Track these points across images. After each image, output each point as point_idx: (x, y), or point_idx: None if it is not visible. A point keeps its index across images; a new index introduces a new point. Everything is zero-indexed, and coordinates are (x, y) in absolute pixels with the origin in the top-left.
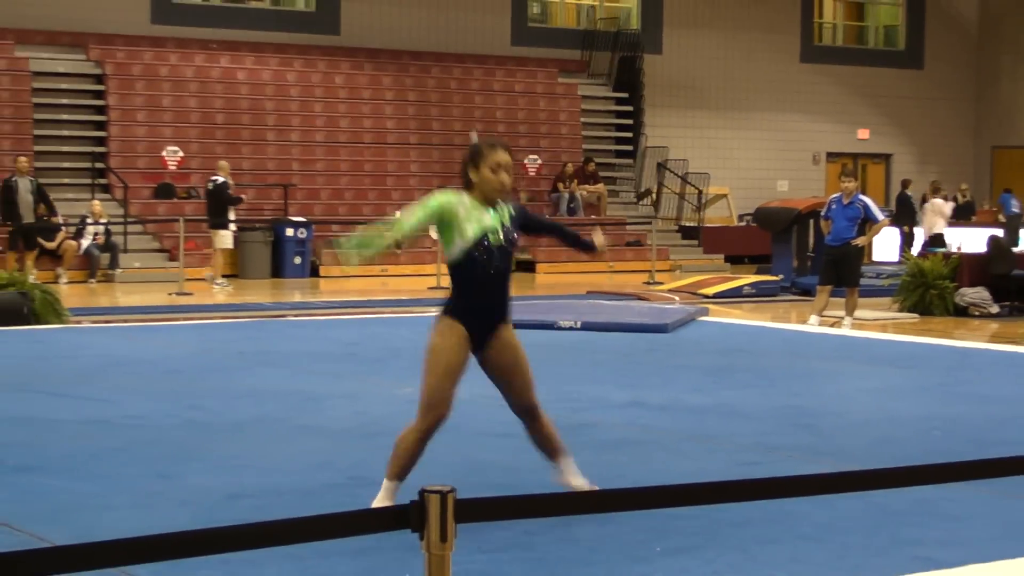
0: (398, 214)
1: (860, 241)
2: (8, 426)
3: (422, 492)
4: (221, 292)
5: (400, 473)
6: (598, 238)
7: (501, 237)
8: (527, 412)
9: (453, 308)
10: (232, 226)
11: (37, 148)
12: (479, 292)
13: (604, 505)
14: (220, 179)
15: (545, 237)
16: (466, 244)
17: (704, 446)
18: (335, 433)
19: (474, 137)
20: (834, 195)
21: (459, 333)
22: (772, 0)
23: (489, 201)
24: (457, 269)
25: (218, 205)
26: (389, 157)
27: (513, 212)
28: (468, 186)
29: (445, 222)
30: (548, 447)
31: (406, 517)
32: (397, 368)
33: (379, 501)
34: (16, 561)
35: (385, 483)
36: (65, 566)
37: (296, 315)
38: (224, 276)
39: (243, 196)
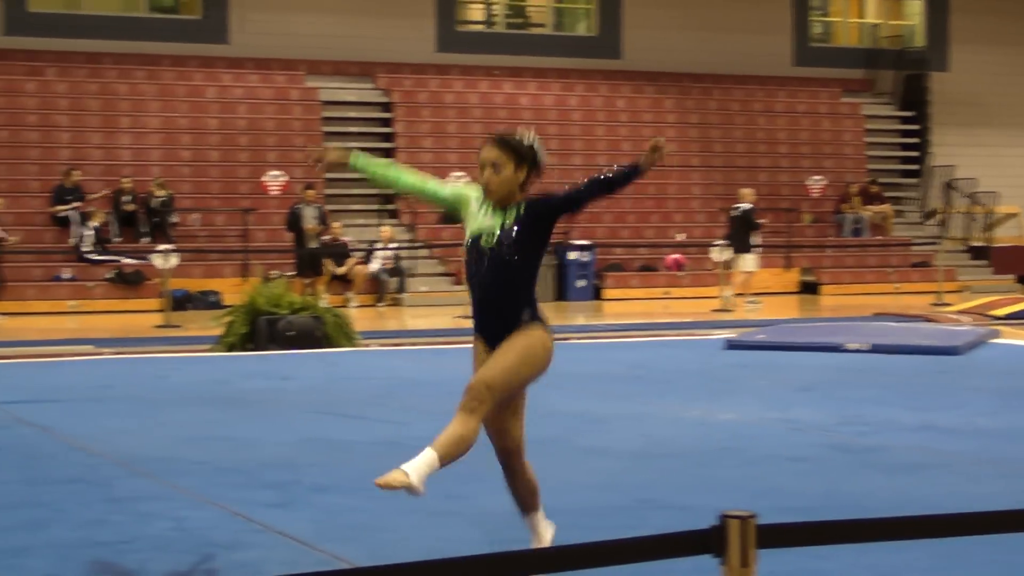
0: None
1: None
2: (305, 447)
3: (723, 517)
4: (754, 310)
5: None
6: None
7: (495, 239)
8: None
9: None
10: (755, 250)
11: (328, 176)
12: (475, 297)
13: (902, 532)
14: (746, 205)
15: (591, 202)
16: (465, 243)
17: (998, 470)
18: (620, 454)
19: (523, 134)
20: None
21: (478, 349)
22: None
23: (496, 201)
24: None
25: (744, 230)
26: (671, 180)
27: (523, 210)
28: None
29: (461, 215)
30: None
31: (707, 542)
32: (682, 390)
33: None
34: None
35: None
36: None
37: (580, 338)
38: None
39: (763, 221)
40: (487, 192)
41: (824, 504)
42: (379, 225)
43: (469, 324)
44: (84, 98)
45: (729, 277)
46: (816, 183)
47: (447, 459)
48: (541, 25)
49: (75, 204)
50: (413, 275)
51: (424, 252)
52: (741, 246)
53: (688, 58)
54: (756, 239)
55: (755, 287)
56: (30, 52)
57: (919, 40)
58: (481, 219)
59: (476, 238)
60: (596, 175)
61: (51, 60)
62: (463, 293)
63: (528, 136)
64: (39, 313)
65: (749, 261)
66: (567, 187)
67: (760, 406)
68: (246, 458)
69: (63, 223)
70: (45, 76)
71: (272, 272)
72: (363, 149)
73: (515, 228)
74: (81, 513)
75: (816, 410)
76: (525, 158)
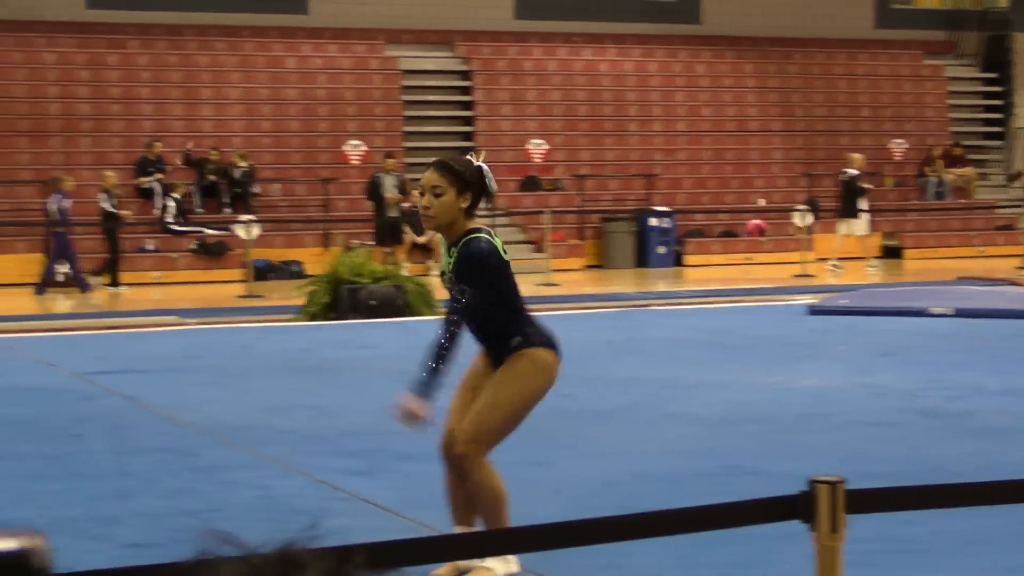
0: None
1: None
2: (388, 415)
3: (812, 482)
4: (834, 274)
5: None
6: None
7: (446, 280)
8: (450, 445)
9: None
10: (864, 215)
11: (407, 144)
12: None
13: (992, 497)
14: (853, 171)
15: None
16: None
17: None
18: (703, 421)
19: (471, 158)
20: None
21: (477, 362)
22: None
23: (440, 227)
24: None
25: (851, 195)
26: (752, 145)
27: (460, 257)
28: None
29: None
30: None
31: (794, 507)
32: (763, 356)
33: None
34: (405, 548)
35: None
36: (450, 553)
37: (661, 304)
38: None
39: (869, 187)
40: (427, 219)
41: (909, 469)
42: None
43: (550, 292)
44: (166, 70)
45: (812, 242)
46: (898, 147)
47: (502, 517)
48: None
49: (158, 175)
50: None
51: (504, 220)
52: (848, 211)
53: (768, 22)
54: (863, 204)
55: (839, 252)
56: (112, 25)
57: (1002, 1)
58: (444, 255)
59: (441, 276)
60: (453, 329)
61: (133, 33)
62: (543, 260)
63: (475, 161)
64: (125, 284)
65: (859, 225)
66: (475, 295)
67: (843, 371)
68: (330, 426)
69: (147, 195)
70: (127, 49)
71: (353, 241)
72: (442, 118)
73: (456, 273)
74: (168, 482)
75: (900, 375)
76: (469, 184)
